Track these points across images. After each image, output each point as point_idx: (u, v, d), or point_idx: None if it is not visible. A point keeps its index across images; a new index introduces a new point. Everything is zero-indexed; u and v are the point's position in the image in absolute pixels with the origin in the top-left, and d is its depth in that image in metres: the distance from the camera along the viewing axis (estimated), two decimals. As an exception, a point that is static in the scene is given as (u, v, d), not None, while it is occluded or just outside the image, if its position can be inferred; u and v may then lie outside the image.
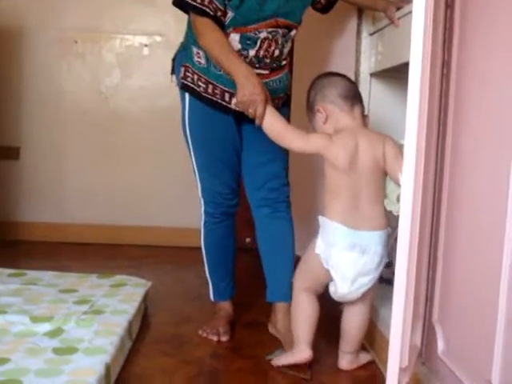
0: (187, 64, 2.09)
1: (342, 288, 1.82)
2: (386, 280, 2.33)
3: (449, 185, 1.47)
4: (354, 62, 2.56)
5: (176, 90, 3.46)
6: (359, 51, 2.54)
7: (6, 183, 3.64)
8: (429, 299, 1.55)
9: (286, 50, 2.09)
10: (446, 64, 1.47)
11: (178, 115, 3.46)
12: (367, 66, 2.51)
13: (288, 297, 2.06)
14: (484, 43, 1.29)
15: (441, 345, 1.49)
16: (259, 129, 1.92)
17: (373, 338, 2.09)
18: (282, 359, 1.95)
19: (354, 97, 1.89)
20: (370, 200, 1.80)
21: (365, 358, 2.01)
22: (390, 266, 2.31)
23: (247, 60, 1.99)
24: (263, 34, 1.98)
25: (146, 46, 3.63)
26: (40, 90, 3.60)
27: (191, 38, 2.07)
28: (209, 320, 2.27)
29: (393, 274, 2.21)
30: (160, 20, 3.61)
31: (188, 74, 2.08)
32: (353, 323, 1.94)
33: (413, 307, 1.31)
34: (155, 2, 3.58)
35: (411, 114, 1.18)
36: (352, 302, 1.91)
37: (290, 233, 2.21)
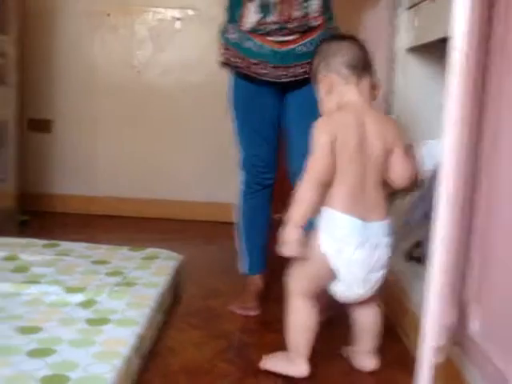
0: (224, 41, 2.14)
1: (356, 289, 1.66)
2: (415, 258, 2.31)
3: (487, 160, 1.44)
4: (390, 36, 2.51)
5: (209, 65, 3.47)
6: (395, 25, 2.49)
7: (38, 155, 3.68)
8: (465, 277, 1.53)
9: (311, 9, 2.00)
10: (488, 40, 1.43)
11: (210, 90, 3.49)
12: (403, 40, 2.47)
13: None
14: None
15: (476, 325, 1.47)
16: (303, 96, 1.92)
17: (402, 317, 2.08)
18: (278, 365, 1.76)
19: (363, 67, 1.68)
20: (373, 186, 1.65)
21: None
22: (420, 245, 2.29)
23: (268, 29, 1.98)
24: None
25: (178, 19, 3.61)
26: (72, 63, 3.62)
27: (226, 16, 2.12)
28: (239, 294, 2.28)
29: (422, 252, 2.22)
30: (193, -7, 3.59)
31: (225, 50, 2.14)
32: (370, 321, 1.79)
33: (447, 285, 1.29)
34: (188, -25, 3.55)
35: (451, 98, 1.15)
36: (362, 301, 1.75)
37: None
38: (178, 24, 3.63)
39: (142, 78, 3.64)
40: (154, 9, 3.62)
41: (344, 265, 1.62)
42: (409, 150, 1.72)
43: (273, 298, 2.33)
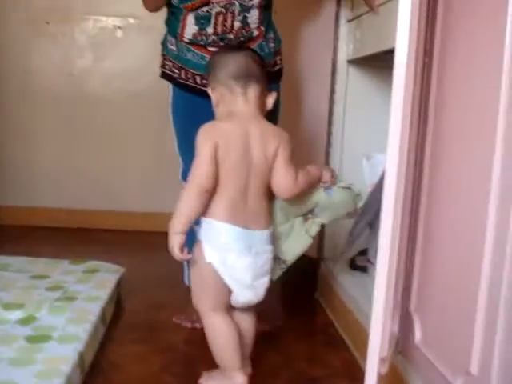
0: (164, 52, 2.15)
1: (245, 295, 1.66)
2: (360, 267, 2.34)
3: (429, 173, 1.47)
4: (332, 48, 2.54)
5: (150, 74, 3.42)
6: (337, 38, 2.52)
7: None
8: (406, 288, 1.56)
9: (251, 20, 2.02)
10: (428, 53, 1.46)
11: (151, 99, 3.46)
12: (345, 53, 2.50)
13: None
14: (467, 31, 1.28)
15: (418, 334, 1.49)
16: None
17: (348, 328, 2.10)
18: (216, 383, 1.73)
19: (246, 76, 1.67)
20: (256, 196, 1.66)
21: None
22: (364, 253, 2.32)
23: (209, 40, 2.00)
24: (216, 10, 1.97)
25: (119, 27, 3.58)
26: (11, 72, 3.53)
27: (167, 28, 2.14)
28: (184, 306, 2.26)
29: (367, 261, 2.25)
30: (134, 1, 3.53)
31: (166, 61, 2.15)
32: (246, 328, 1.75)
33: (391, 298, 1.31)
34: (129, -17, 3.52)
35: (396, 106, 1.16)
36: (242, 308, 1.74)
37: None
38: (119, 32, 3.60)
39: (82, 86, 3.58)
40: (94, 17, 3.58)
41: (230, 273, 1.63)
42: (305, 167, 1.73)
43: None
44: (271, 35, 2.10)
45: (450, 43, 1.36)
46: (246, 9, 2.00)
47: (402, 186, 1.21)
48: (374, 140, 2.29)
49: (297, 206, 1.75)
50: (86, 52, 3.57)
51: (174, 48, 2.10)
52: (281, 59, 2.16)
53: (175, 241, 1.59)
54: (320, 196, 1.74)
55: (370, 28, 2.16)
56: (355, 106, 2.52)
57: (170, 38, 2.11)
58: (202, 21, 1.99)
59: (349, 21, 2.45)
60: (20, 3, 3.49)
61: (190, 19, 2.01)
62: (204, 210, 1.62)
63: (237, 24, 2.01)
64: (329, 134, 2.57)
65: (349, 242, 2.19)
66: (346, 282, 2.27)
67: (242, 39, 2.01)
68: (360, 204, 1.78)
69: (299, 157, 2.66)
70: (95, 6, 3.56)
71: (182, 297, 2.34)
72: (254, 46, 2.04)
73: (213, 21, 1.99)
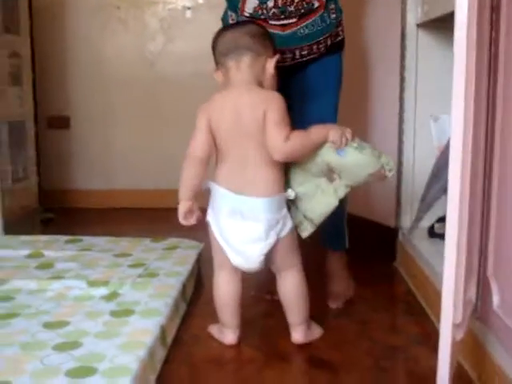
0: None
1: (233, 259, 1.73)
2: (439, 235, 2.30)
3: (501, 134, 1.42)
4: (400, 12, 2.48)
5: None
6: (404, 1, 2.46)
7: (58, 152, 3.72)
8: (483, 252, 1.52)
9: None
10: (495, 10, 1.41)
11: (223, 77, 3.47)
12: (413, 16, 2.44)
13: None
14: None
15: (496, 299, 1.46)
16: (306, 78, 2.00)
17: (427, 294, 2.08)
18: (215, 333, 1.89)
19: (235, 48, 1.74)
20: (256, 163, 1.70)
21: (317, 331, 1.87)
22: (443, 220, 2.28)
23: (269, 14, 1.96)
24: None
25: (188, 8, 3.62)
26: (84, 58, 3.64)
27: (227, 2, 2.09)
28: (262, 279, 2.28)
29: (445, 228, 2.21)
30: (201, -19, 3.59)
31: None
32: (288, 291, 1.81)
33: (465, 261, 1.28)
34: (196, -37, 3.55)
35: (458, 67, 1.14)
36: (281, 271, 1.81)
37: None
38: (188, 13, 3.63)
39: (155, 69, 3.65)
40: (163, -1, 3.62)
41: (219, 232, 1.73)
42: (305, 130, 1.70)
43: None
44: (332, 5, 2.04)
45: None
46: None
47: (468, 148, 1.18)
48: (448, 104, 2.24)
49: (309, 166, 1.74)
50: (157, 35, 3.64)
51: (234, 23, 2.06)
52: (342, 30, 2.11)
53: (179, 208, 1.73)
54: (330, 156, 1.69)
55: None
56: (427, 71, 2.46)
57: (230, 12, 2.09)
58: None
59: (416, -18, 2.39)
60: (91, -10, 3.59)
61: None
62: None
63: None
64: (401, 99, 2.52)
65: (422, 208, 2.15)
66: (425, 250, 2.23)
67: (302, 11, 1.97)
68: (388, 166, 1.67)
69: (372, 124, 2.65)
70: (164, -11, 3.61)
71: (261, 270, 2.37)
72: (315, 17, 2.00)
73: None
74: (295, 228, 1.80)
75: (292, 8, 1.96)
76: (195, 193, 1.74)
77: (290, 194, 1.75)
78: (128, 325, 1.74)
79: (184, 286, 2.11)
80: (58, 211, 3.44)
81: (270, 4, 1.96)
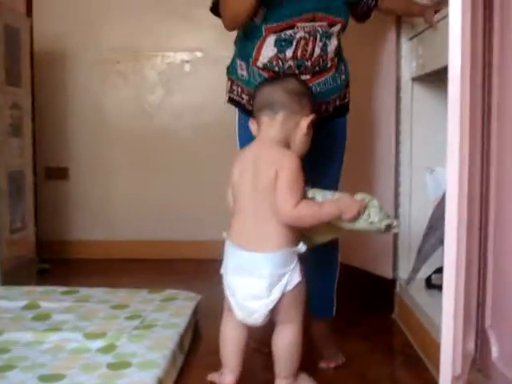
0: (232, 77, 2.08)
1: (237, 313, 1.74)
2: (436, 286, 2.30)
3: (496, 186, 1.44)
4: (395, 67, 2.54)
5: (220, 106, 3.49)
6: (399, 56, 2.52)
7: (56, 203, 3.73)
8: (480, 304, 1.53)
9: (330, 49, 1.97)
10: (487, 65, 1.45)
11: (222, 130, 3.52)
12: (408, 70, 2.49)
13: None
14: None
15: (495, 350, 1.46)
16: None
17: (426, 345, 2.07)
18: (215, 376, 1.88)
19: (270, 105, 1.75)
20: (266, 219, 1.69)
21: (305, 382, 1.84)
22: (440, 271, 2.28)
23: (285, 66, 1.93)
24: (300, 34, 1.91)
25: (187, 62, 3.69)
26: (85, 110, 3.69)
27: (236, 50, 2.08)
28: (260, 331, 2.27)
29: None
30: (200, 35, 3.67)
31: (233, 87, 2.08)
32: (281, 345, 1.77)
33: (464, 313, 1.28)
34: (194, 18, 3.63)
35: (453, 120, 1.16)
36: (279, 323, 1.77)
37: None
38: (187, 66, 3.70)
39: (154, 122, 3.70)
40: (162, 53, 3.70)
41: (227, 286, 1.76)
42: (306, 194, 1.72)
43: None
44: (342, 67, 2.06)
45: (509, 53, 1.35)
46: (327, 36, 1.95)
47: (464, 200, 1.20)
48: (444, 155, 2.27)
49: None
50: (157, 87, 3.70)
51: (244, 73, 2.02)
52: (349, 92, 2.11)
53: None
54: (342, 223, 1.71)
55: (431, 45, 2.16)
56: (422, 123, 2.50)
57: (240, 61, 2.03)
58: (283, 43, 1.91)
59: (410, 38, 2.45)
60: (91, 45, 3.67)
61: (270, 41, 1.92)
62: None
63: (317, 51, 1.94)
64: (397, 152, 2.55)
65: (419, 260, 2.16)
66: (423, 302, 2.23)
67: (317, 69, 1.96)
68: (395, 229, 1.70)
69: (368, 177, 2.67)
70: (163, 43, 3.69)
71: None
72: (328, 76, 2.00)
73: (294, 43, 1.91)
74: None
75: (309, 63, 1.95)
76: None
77: (301, 247, 1.72)
78: (125, 377, 1.72)
79: (181, 338, 2.09)
80: (55, 262, 3.43)
81: (289, 54, 1.93)
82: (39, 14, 3.62)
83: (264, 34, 1.92)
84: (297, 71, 1.94)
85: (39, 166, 3.58)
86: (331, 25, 1.95)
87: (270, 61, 1.94)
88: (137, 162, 3.71)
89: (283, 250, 1.68)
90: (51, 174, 3.74)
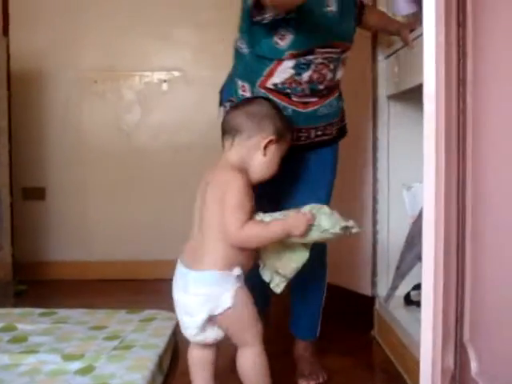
0: (232, 98, 2.03)
1: (180, 327, 1.77)
2: (415, 302, 2.31)
3: (472, 201, 1.46)
4: (371, 85, 2.56)
5: (197, 125, 3.53)
6: (376, 75, 2.55)
7: (33, 223, 3.69)
8: (459, 318, 1.53)
9: (338, 74, 2.00)
10: (462, 82, 1.47)
11: (200, 149, 3.53)
12: (384, 88, 2.52)
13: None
14: (497, 60, 1.29)
15: (474, 365, 1.46)
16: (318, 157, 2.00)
17: (405, 362, 2.07)
18: None
19: (229, 129, 1.77)
20: (213, 238, 1.68)
21: None
22: (418, 287, 2.29)
23: (298, 88, 1.92)
24: (318, 60, 1.90)
25: (164, 81, 3.69)
26: (62, 130, 3.67)
27: (237, 70, 2.04)
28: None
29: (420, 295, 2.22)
30: (178, 55, 3.68)
31: None
32: (244, 368, 1.74)
33: (442, 328, 1.29)
34: (172, 38, 3.65)
35: (428, 137, 1.18)
36: (238, 347, 1.75)
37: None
38: (164, 86, 3.70)
39: (132, 141, 3.69)
40: (140, 73, 3.70)
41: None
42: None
43: (277, 352, 2.32)
44: (339, 92, 2.08)
45: (482, 70, 1.37)
46: (338, 61, 1.96)
47: (441, 215, 1.21)
48: (420, 172, 2.29)
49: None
50: (134, 107, 3.69)
51: (247, 94, 1.97)
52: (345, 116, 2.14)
53: None
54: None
55: (406, 63, 2.18)
56: (398, 140, 2.53)
57: (241, 82, 1.99)
58: (303, 66, 1.89)
59: (386, 57, 2.48)
60: (68, 64, 3.65)
61: (288, 64, 1.89)
62: None
63: (329, 75, 1.95)
64: (374, 169, 2.57)
65: (397, 277, 2.17)
66: (402, 318, 2.24)
67: (324, 92, 1.97)
68: (354, 229, 1.65)
69: (346, 194, 2.69)
70: (140, 62, 3.69)
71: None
72: (332, 98, 2.01)
73: (312, 67, 1.90)
74: (268, 284, 1.78)
75: (322, 86, 1.95)
76: None
77: (235, 271, 1.67)
78: (104, 399, 1.71)
79: (160, 358, 2.08)
80: (32, 283, 3.39)
81: (305, 78, 1.91)
82: (16, 32, 3.60)
83: (284, 57, 1.89)
84: (308, 93, 1.93)
85: (16, 187, 3.54)
86: (343, 51, 1.97)
87: (284, 82, 1.92)
88: (114, 182, 3.69)
89: (213, 270, 1.66)
90: (28, 194, 3.70)
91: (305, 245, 1.73)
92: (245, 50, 1.96)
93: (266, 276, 1.78)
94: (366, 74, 2.61)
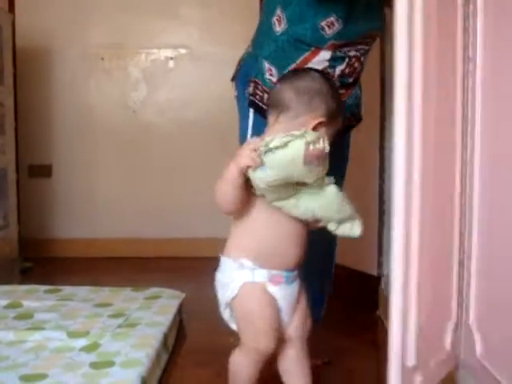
0: (257, 80, 1.89)
1: None
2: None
3: (480, 174, 1.44)
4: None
5: (203, 102, 3.50)
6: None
7: (39, 200, 3.70)
8: (464, 301, 1.52)
9: (364, 65, 1.91)
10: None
11: (206, 126, 3.51)
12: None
13: None
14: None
15: (479, 347, 1.46)
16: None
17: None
18: None
19: (276, 103, 1.58)
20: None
21: None
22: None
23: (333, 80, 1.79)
24: (352, 53, 1.83)
25: (171, 59, 3.67)
26: (69, 107, 3.66)
27: (263, 51, 1.89)
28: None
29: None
30: (184, 32, 3.65)
31: (257, 91, 1.88)
32: (293, 372, 1.68)
33: (439, 312, 1.28)
34: (179, 15, 3.62)
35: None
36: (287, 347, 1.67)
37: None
38: (171, 63, 3.68)
39: (138, 118, 3.68)
40: (147, 50, 3.68)
41: None
42: None
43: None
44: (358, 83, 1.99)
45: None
46: (367, 53, 1.89)
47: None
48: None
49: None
50: (140, 84, 3.68)
51: (273, 79, 1.83)
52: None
53: None
54: (254, 176, 1.46)
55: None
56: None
57: (268, 65, 1.85)
58: (338, 59, 1.81)
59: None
60: (75, 41, 3.64)
61: (324, 55, 1.80)
62: None
63: (359, 68, 1.88)
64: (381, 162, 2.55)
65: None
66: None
67: (351, 84, 1.88)
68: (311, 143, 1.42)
69: (352, 178, 2.68)
70: (147, 40, 3.67)
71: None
72: (354, 89, 1.93)
73: (346, 61, 1.83)
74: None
75: (351, 79, 1.88)
76: None
77: (245, 263, 1.57)
78: (108, 376, 1.71)
79: (165, 336, 2.08)
80: (38, 260, 3.40)
81: (338, 72, 1.83)
82: (22, 9, 3.58)
83: (324, 46, 1.79)
84: (337, 86, 1.78)
85: (22, 164, 3.54)
86: (372, 42, 1.89)
87: None
88: (121, 159, 3.69)
89: (225, 257, 1.62)
90: (34, 171, 3.71)
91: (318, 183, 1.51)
92: (279, 30, 1.83)
93: (344, 229, 1.64)
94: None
